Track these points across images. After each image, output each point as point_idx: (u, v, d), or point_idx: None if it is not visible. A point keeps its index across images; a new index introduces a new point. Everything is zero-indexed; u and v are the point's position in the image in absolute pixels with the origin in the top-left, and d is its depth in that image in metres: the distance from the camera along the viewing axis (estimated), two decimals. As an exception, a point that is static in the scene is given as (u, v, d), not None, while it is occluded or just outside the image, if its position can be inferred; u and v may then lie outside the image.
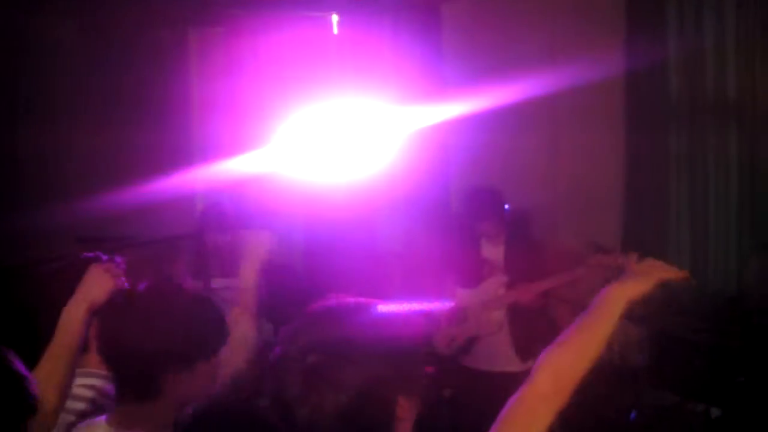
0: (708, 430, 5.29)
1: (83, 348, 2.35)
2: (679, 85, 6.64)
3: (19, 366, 1.85)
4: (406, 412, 1.66)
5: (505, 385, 4.45)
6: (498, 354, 4.61)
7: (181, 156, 7.10)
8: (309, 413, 1.57)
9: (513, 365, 4.61)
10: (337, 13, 7.18)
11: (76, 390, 2.38)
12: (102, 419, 2.18)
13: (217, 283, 5.04)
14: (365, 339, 1.64)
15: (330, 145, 5.33)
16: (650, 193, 6.70)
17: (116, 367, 2.16)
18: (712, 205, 6.61)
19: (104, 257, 2.46)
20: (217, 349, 2.23)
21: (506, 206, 4.97)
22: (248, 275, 3.06)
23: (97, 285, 2.28)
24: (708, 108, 6.56)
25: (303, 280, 6.95)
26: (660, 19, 6.59)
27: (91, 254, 2.51)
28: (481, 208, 4.67)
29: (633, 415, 5.41)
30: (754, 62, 6.39)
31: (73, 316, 2.24)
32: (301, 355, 1.59)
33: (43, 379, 2.06)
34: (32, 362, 2.13)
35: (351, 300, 1.75)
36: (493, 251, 4.70)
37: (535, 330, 4.69)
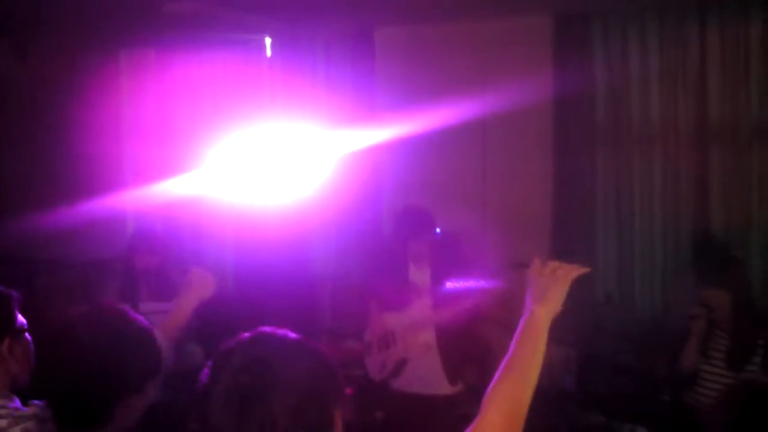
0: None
1: None
2: (605, 111, 6.81)
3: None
4: (339, 427, 1.68)
5: (436, 407, 4.50)
6: (427, 376, 4.60)
7: (112, 178, 7.02)
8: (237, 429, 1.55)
9: (443, 387, 4.61)
10: (271, 37, 7.19)
11: None
12: None
13: (145, 307, 4.98)
14: (294, 359, 1.64)
15: (261, 168, 5.33)
16: (578, 215, 6.83)
17: (63, 397, 2.07)
18: (638, 228, 6.78)
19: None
20: (160, 371, 2.21)
21: (437, 229, 5.00)
22: (184, 310, 3.06)
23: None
24: (633, 133, 6.74)
25: (233, 302, 6.90)
26: (586, 49, 6.75)
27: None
28: (410, 226, 4.67)
29: (562, 436, 5.47)
30: (677, 90, 6.59)
31: None
32: (233, 379, 1.58)
33: None
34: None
35: (280, 330, 1.75)
36: (420, 274, 4.71)
37: (463, 351, 4.72)
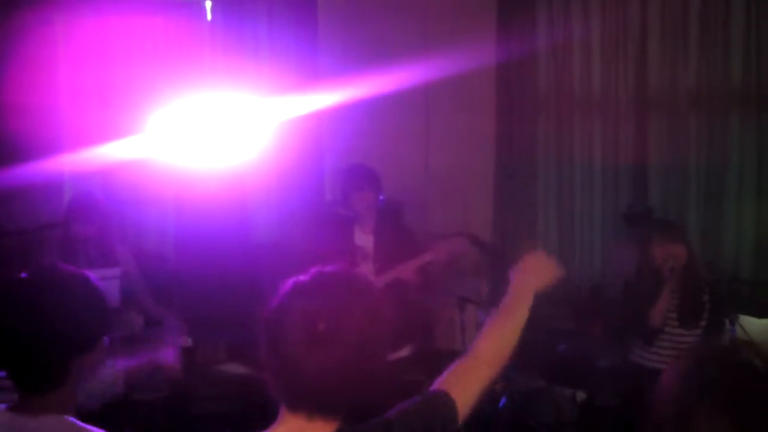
0: (575, 413, 5.44)
1: None
2: (547, 77, 6.85)
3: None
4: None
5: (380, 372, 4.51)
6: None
7: (48, 143, 6.87)
8: (317, 372, 1.70)
9: (387, 353, 4.61)
10: (212, 0, 7.07)
11: None
12: (2, 407, 2.10)
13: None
14: (367, 306, 1.78)
15: (202, 133, 5.27)
16: (519, 182, 6.88)
17: (18, 361, 2.06)
18: (578, 195, 6.86)
19: None
20: (111, 324, 2.23)
21: (380, 196, 4.98)
22: None
23: None
24: (574, 99, 6.80)
25: (174, 270, 6.83)
26: (530, 14, 6.77)
27: None
28: (357, 181, 4.65)
29: (503, 401, 5.53)
30: (617, 57, 6.66)
31: None
32: (308, 321, 1.71)
33: None
34: None
35: (344, 269, 1.88)
36: (366, 239, 4.70)
37: (407, 318, 4.74)
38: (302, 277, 1.83)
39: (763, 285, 6.42)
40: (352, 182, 4.70)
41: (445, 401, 1.98)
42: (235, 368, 6.25)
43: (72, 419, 2.06)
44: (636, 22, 6.56)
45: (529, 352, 5.51)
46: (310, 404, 1.77)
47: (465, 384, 2.05)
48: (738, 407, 1.33)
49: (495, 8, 6.80)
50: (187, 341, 5.22)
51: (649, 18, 6.53)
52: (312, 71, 6.98)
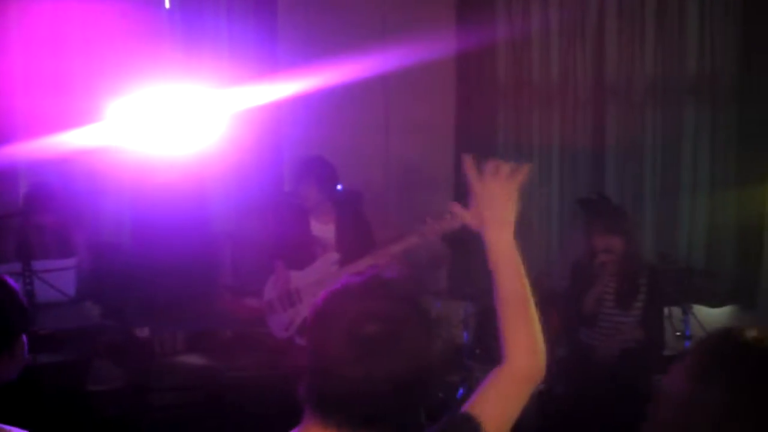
0: (534, 402, 5.49)
1: None
2: (506, 66, 6.89)
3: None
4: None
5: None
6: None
7: (3, 131, 6.78)
8: (363, 378, 1.57)
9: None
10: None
11: None
12: None
13: (41, 264, 4.83)
14: (418, 312, 1.68)
15: (160, 122, 5.23)
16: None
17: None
18: (536, 183, 6.91)
19: None
20: (28, 326, 2.17)
21: (339, 186, 4.98)
22: None
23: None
24: (533, 89, 6.84)
25: (131, 260, 6.77)
26: (489, 3, 6.80)
27: None
28: (310, 173, 4.61)
29: (461, 392, 5.55)
30: (576, 46, 6.72)
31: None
32: (355, 324, 1.59)
33: None
34: None
35: (395, 272, 1.77)
36: (324, 230, 4.68)
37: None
38: (354, 278, 1.73)
39: (716, 275, 6.52)
40: (298, 175, 4.69)
41: (468, 427, 1.83)
42: (194, 358, 6.23)
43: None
44: (593, 13, 6.62)
45: (487, 341, 5.55)
46: (342, 413, 1.63)
47: (497, 402, 1.89)
48: (741, 391, 1.34)
49: (454, -3, 6.83)
50: (144, 331, 5.20)
51: (606, 8, 6.59)
52: (271, 61, 6.95)
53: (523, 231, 6.49)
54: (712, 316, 6.41)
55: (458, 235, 6.48)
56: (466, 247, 6.69)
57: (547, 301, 5.79)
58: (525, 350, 1.92)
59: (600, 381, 4.84)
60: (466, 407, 1.86)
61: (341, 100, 6.64)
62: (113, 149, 5.53)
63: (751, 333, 1.43)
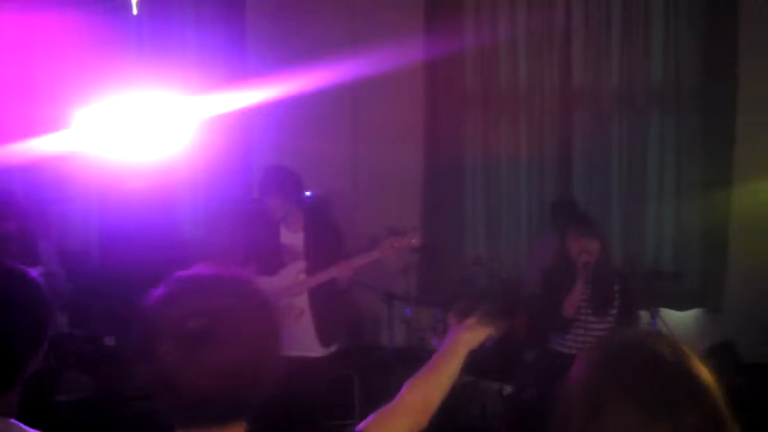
0: (502, 406, 5.51)
1: None
2: (474, 74, 6.93)
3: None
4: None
5: (308, 368, 4.50)
6: (300, 339, 4.58)
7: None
8: (195, 375, 1.53)
9: (315, 350, 4.61)
10: (137, -6, 6.98)
11: None
12: None
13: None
14: (246, 305, 1.63)
15: (129, 129, 5.20)
16: (447, 178, 6.95)
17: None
18: (505, 189, 6.96)
19: None
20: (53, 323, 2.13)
21: (307, 192, 4.97)
22: None
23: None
24: (501, 97, 6.89)
25: (99, 267, 6.73)
26: (457, 12, 6.84)
27: None
28: (273, 183, 4.58)
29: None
30: (543, 55, 6.78)
31: None
32: (181, 320, 1.54)
33: None
34: None
35: (222, 269, 1.74)
36: (293, 237, 4.67)
37: (336, 315, 4.74)
38: (178, 276, 1.68)
39: (683, 279, 6.59)
40: (262, 186, 4.66)
41: None
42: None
43: (18, 423, 1.99)
44: (560, 22, 6.68)
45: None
46: (193, 416, 1.60)
47: (387, 429, 2.04)
48: (645, 394, 1.38)
49: (422, 6, 6.85)
50: (112, 340, 5.16)
51: (573, 18, 6.66)
52: (239, 68, 6.94)
53: (492, 236, 6.54)
54: (679, 319, 6.48)
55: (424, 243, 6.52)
56: (436, 255, 6.73)
57: (516, 306, 5.84)
58: (421, 400, 2.12)
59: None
60: (362, 426, 1.95)
61: (310, 107, 6.65)
62: (80, 156, 5.50)
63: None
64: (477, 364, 5.53)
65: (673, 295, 6.47)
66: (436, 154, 6.95)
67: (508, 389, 5.50)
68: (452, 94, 6.89)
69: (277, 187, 4.60)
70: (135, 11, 6.97)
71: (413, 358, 5.76)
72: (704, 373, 1.41)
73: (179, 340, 1.54)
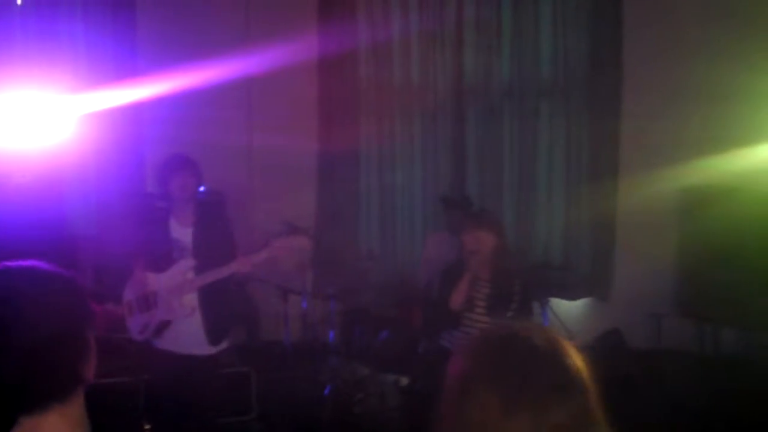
0: (398, 398, 5.55)
1: None
2: (367, 70, 6.96)
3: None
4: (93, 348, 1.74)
5: (197, 366, 4.45)
6: (189, 337, 4.49)
7: None
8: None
9: (204, 348, 4.54)
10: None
11: None
12: None
13: None
14: (42, 290, 1.67)
15: (12, 123, 5.07)
16: (342, 174, 6.97)
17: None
18: (399, 185, 7.02)
19: None
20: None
21: (201, 187, 4.88)
22: None
23: None
24: (394, 91, 6.94)
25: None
26: (350, 10, 6.86)
27: None
28: (176, 164, 4.45)
29: (327, 389, 5.58)
30: (435, 51, 6.86)
31: None
32: None
33: None
34: None
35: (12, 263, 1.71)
36: (183, 233, 4.58)
37: (228, 312, 4.67)
38: None
39: (572, 269, 6.77)
40: (170, 167, 4.51)
41: None
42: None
43: None
44: (452, 20, 6.78)
45: (353, 340, 5.62)
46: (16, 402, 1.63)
47: None
48: (508, 385, 1.41)
49: (316, 3, 6.85)
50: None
51: (464, 16, 6.77)
52: (130, 61, 6.81)
53: (387, 231, 6.57)
54: (568, 308, 6.65)
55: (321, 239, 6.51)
56: (331, 249, 6.74)
57: (410, 301, 5.91)
58: None
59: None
60: None
61: (204, 101, 6.57)
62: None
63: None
64: (374, 357, 5.59)
65: (563, 285, 6.64)
66: (331, 149, 6.96)
67: (404, 381, 5.54)
68: (346, 90, 6.92)
69: (184, 167, 4.49)
70: (19, 1, 6.77)
71: (310, 352, 5.78)
72: (577, 368, 1.44)
73: None
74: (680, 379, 6.19)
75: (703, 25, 6.39)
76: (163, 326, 4.51)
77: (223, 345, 4.61)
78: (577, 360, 1.46)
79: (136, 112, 6.58)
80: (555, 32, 6.71)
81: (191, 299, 4.49)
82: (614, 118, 6.62)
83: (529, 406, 1.37)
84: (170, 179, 4.49)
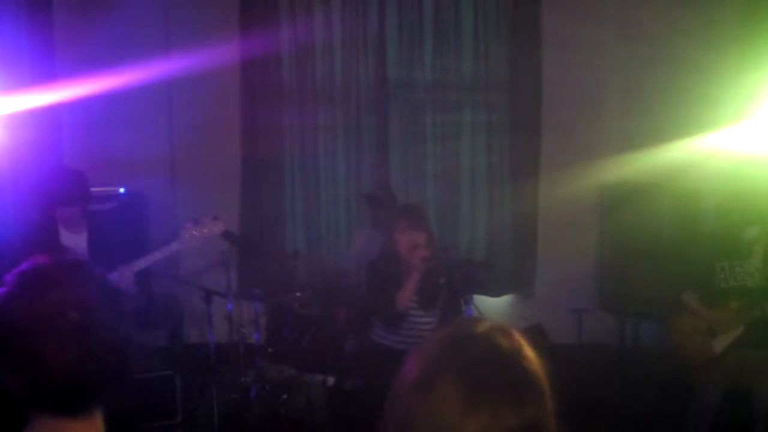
0: (325, 397, 5.53)
1: None
2: (290, 71, 6.95)
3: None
4: None
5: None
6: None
7: None
8: (76, 363, 1.58)
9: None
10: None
11: None
12: None
13: None
14: (109, 296, 1.69)
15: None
16: (266, 173, 6.93)
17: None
18: (323, 184, 7.02)
19: None
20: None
21: (120, 189, 4.78)
22: None
23: None
24: (318, 91, 6.94)
25: None
26: (273, 12, 6.83)
27: None
28: (62, 190, 4.27)
29: (253, 391, 5.54)
30: (358, 52, 6.88)
31: None
32: (60, 312, 1.57)
33: None
34: None
35: (71, 258, 1.73)
36: (76, 239, 4.41)
37: (151, 309, 4.61)
38: (43, 265, 1.66)
39: (495, 266, 6.85)
40: (52, 190, 4.29)
41: None
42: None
43: None
44: (374, 21, 6.82)
45: (279, 341, 5.57)
46: (63, 401, 1.60)
47: None
48: (469, 383, 1.41)
49: (238, 5, 6.81)
50: None
51: (386, 18, 6.82)
52: (46, 65, 6.67)
53: (311, 230, 6.54)
54: (492, 305, 6.73)
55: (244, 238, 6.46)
56: (255, 250, 6.69)
57: (336, 299, 5.89)
58: None
59: (393, 374, 4.80)
60: None
61: (124, 104, 6.49)
62: None
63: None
64: (300, 357, 5.56)
65: (486, 282, 6.72)
66: (254, 150, 6.93)
67: (331, 380, 5.52)
68: (269, 91, 6.89)
69: (65, 194, 4.29)
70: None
71: (235, 354, 5.73)
72: (535, 372, 1.46)
73: (61, 327, 1.57)
74: (601, 373, 6.33)
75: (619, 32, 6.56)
76: None
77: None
78: (536, 359, 1.48)
79: (54, 114, 6.45)
80: (476, 34, 6.84)
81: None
82: (534, 116, 6.73)
83: (487, 407, 1.37)
84: (51, 191, 4.31)
